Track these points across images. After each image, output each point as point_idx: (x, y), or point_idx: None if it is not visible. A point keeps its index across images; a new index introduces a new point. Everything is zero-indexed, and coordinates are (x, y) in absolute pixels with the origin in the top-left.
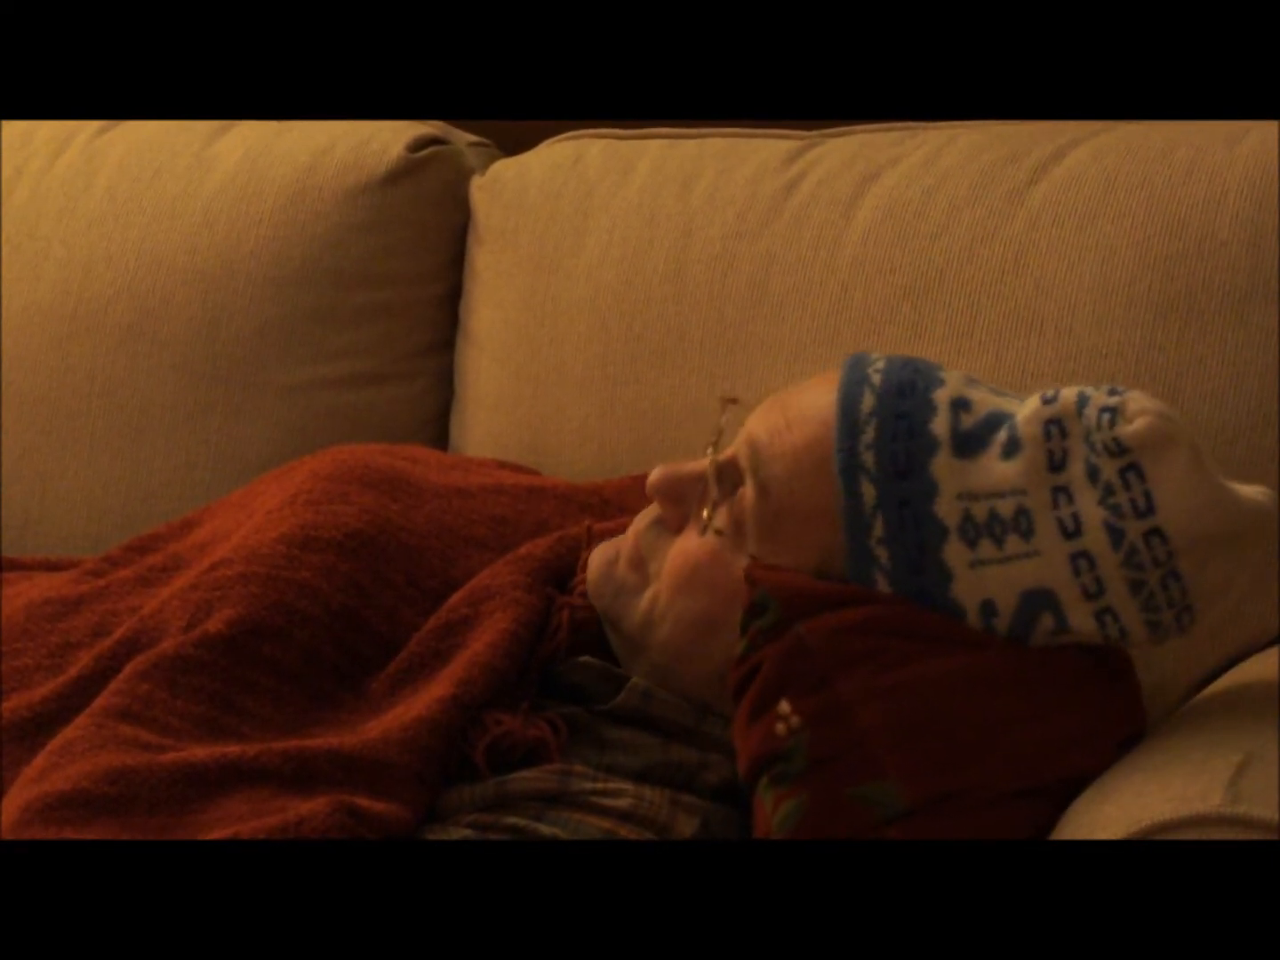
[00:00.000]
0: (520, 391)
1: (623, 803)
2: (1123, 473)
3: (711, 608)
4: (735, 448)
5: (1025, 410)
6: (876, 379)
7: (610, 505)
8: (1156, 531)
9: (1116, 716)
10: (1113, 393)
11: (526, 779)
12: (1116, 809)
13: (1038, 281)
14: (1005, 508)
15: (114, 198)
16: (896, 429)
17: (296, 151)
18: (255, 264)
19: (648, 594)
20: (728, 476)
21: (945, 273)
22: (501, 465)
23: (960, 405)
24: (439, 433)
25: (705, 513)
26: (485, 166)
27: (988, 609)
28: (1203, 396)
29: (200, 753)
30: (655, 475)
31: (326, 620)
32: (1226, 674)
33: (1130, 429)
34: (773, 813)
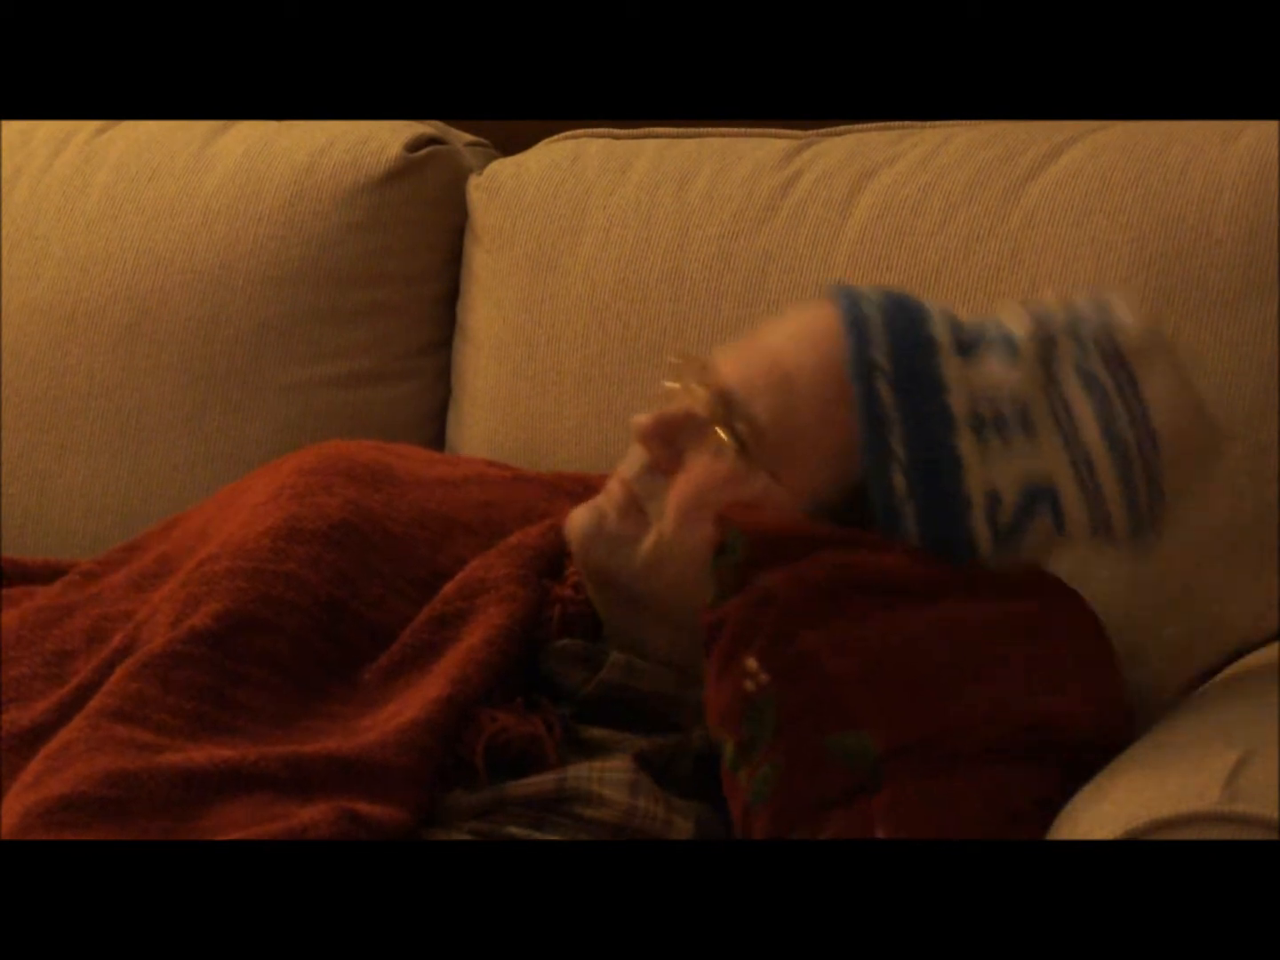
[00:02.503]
0: (518, 390)
1: (617, 815)
2: (1117, 377)
3: None
4: (723, 379)
5: (1014, 318)
6: (872, 294)
7: (595, 492)
8: (1149, 434)
9: (1087, 666)
10: (1101, 302)
11: (523, 785)
12: (1114, 806)
13: (1034, 279)
14: (1008, 406)
15: (112, 197)
16: (903, 333)
17: (295, 151)
18: (254, 263)
19: (650, 536)
20: (720, 408)
21: (941, 270)
22: (490, 464)
23: (950, 316)
24: (437, 431)
25: (723, 433)
26: (483, 166)
27: (993, 501)
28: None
29: (199, 756)
30: (642, 420)
31: (315, 611)
32: (1225, 670)
33: (1127, 335)
34: (748, 786)
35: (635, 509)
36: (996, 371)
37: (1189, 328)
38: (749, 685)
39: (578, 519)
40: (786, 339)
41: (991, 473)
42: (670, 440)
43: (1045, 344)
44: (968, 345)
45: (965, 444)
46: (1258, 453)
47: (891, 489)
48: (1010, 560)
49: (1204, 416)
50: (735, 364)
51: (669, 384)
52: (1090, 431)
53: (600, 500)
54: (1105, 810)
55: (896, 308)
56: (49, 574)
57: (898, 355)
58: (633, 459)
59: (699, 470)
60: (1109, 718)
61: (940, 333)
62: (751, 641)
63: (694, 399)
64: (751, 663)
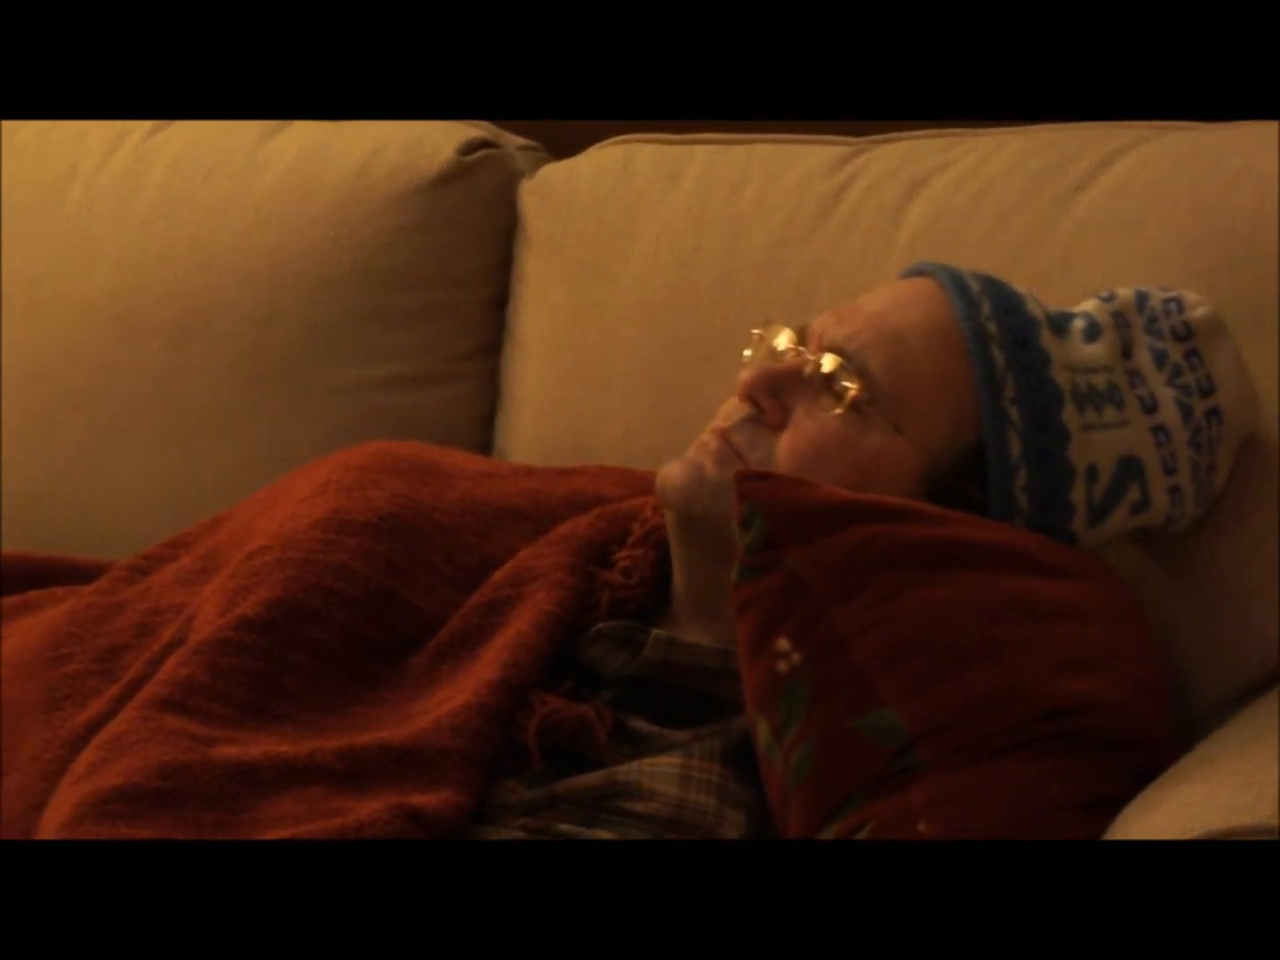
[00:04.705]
0: (566, 395)
1: (668, 809)
2: (1188, 355)
3: (843, 482)
4: (824, 337)
5: (1088, 305)
6: (968, 272)
7: (641, 481)
8: (1215, 410)
9: (1124, 652)
10: (1165, 288)
11: (573, 782)
12: (1164, 818)
13: (1085, 287)
14: (1099, 381)
15: (166, 197)
16: (1006, 305)
17: (348, 153)
18: (306, 265)
19: None
20: (833, 362)
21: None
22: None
23: (1034, 299)
24: (485, 435)
25: (844, 388)
26: (534, 170)
27: (1091, 473)
28: None
29: (253, 750)
30: (750, 374)
31: (364, 600)
32: (1277, 685)
33: (1196, 314)
34: (784, 769)
35: (735, 459)
36: (1086, 349)
37: (1241, 337)
38: (782, 666)
39: (673, 473)
40: (888, 301)
41: (1091, 444)
42: (777, 393)
43: (1120, 320)
44: (1058, 323)
45: (1069, 415)
46: None
47: (1008, 451)
48: (1095, 539)
49: (1254, 397)
50: (838, 323)
51: (759, 348)
52: (1166, 405)
53: (692, 454)
54: (1155, 822)
55: (990, 282)
56: (99, 574)
57: (1004, 324)
58: (730, 411)
59: (813, 424)
60: (1147, 707)
61: (1036, 311)
62: (782, 622)
63: (800, 356)
64: (783, 643)
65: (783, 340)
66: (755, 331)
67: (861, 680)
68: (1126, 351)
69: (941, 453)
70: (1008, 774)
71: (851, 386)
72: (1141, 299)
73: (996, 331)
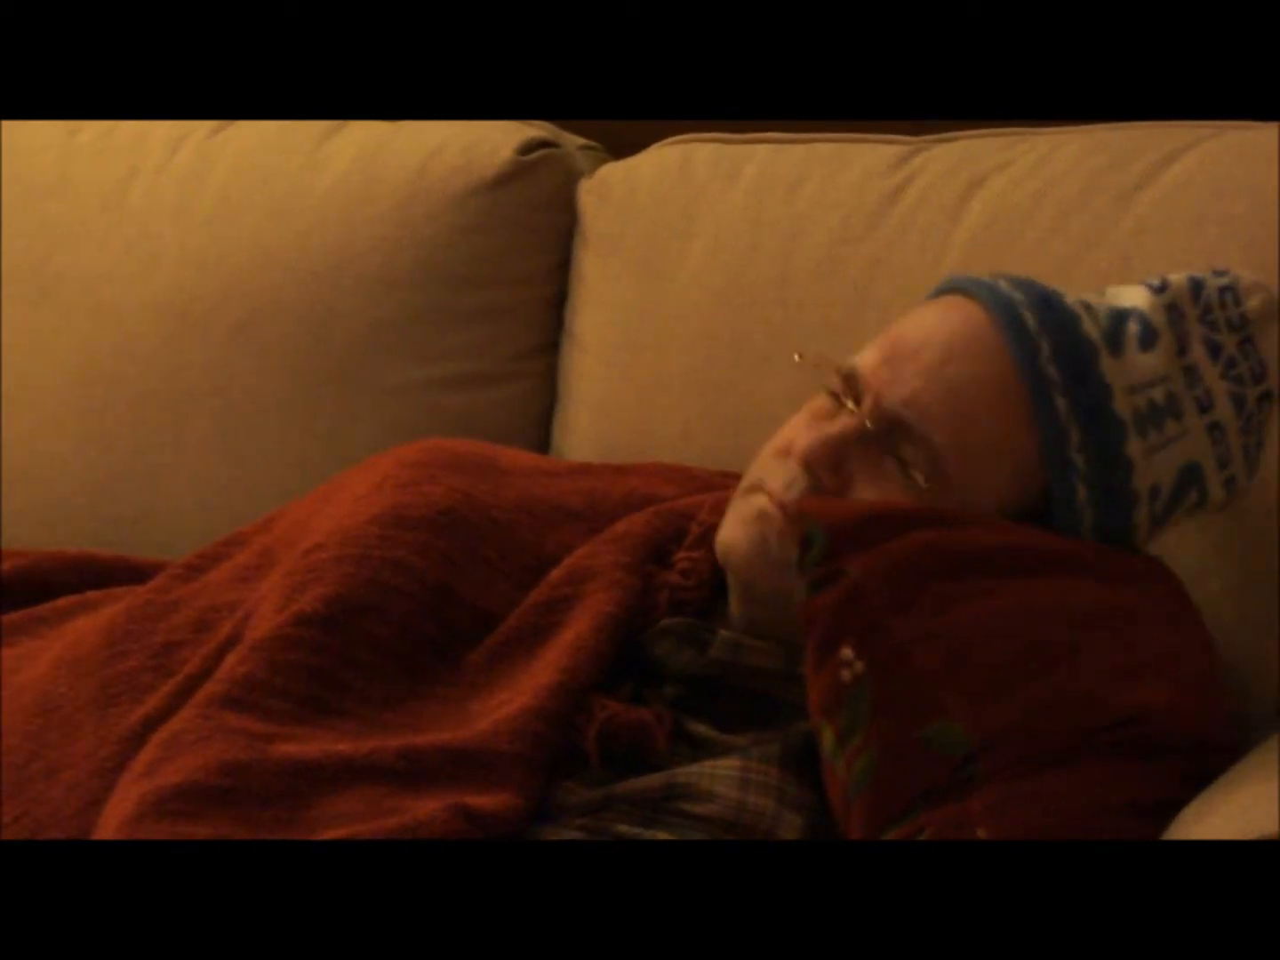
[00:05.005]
0: (623, 395)
1: (727, 811)
2: (1242, 344)
3: None
4: (887, 398)
5: (1140, 300)
6: (1019, 296)
7: (696, 480)
8: (1267, 394)
9: (1186, 657)
10: (1219, 273)
11: (632, 784)
12: (1223, 820)
13: None
14: (1158, 395)
15: (227, 197)
16: (1062, 340)
17: (407, 153)
18: (366, 264)
19: None
20: (881, 429)
21: (1052, 278)
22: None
23: (1087, 307)
24: (543, 435)
25: (914, 473)
26: (593, 170)
27: (1154, 493)
28: None
29: (312, 748)
30: (807, 445)
31: (422, 595)
32: None
33: (1252, 305)
34: (847, 776)
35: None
36: (1142, 360)
37: None
38: (845, 674)
39: (737, 543)
40: (941, 348)
41: (1154, 466)
42: (839, 464)
43: (1173, 314)
44: (1114, 338)
45: (1133, 445)
46: None
47: (1074, 499)
48: (1151, 539)
49: None
50: (892, 377)
51: (820, 398)
52: (1221, 400)
53: (755, 523)
54: (1214, 824)
55: (1045, 305)
56: (157, 574)
57: (1064, 362)
58: (788, 478)
59: (877, 497)
60: (1206, 712)
61: (1092, 331)
62: (846, 631)
63: (856, 419)
64: (847, 652)
65: (826, 391)
66: (796, 357)
67: (925, 690)
68: (1182, 349)
69: (1005, 504)
70: (1066, 780)
71: (918, 475)
72: (1196, 288)
73: (1057, 375)
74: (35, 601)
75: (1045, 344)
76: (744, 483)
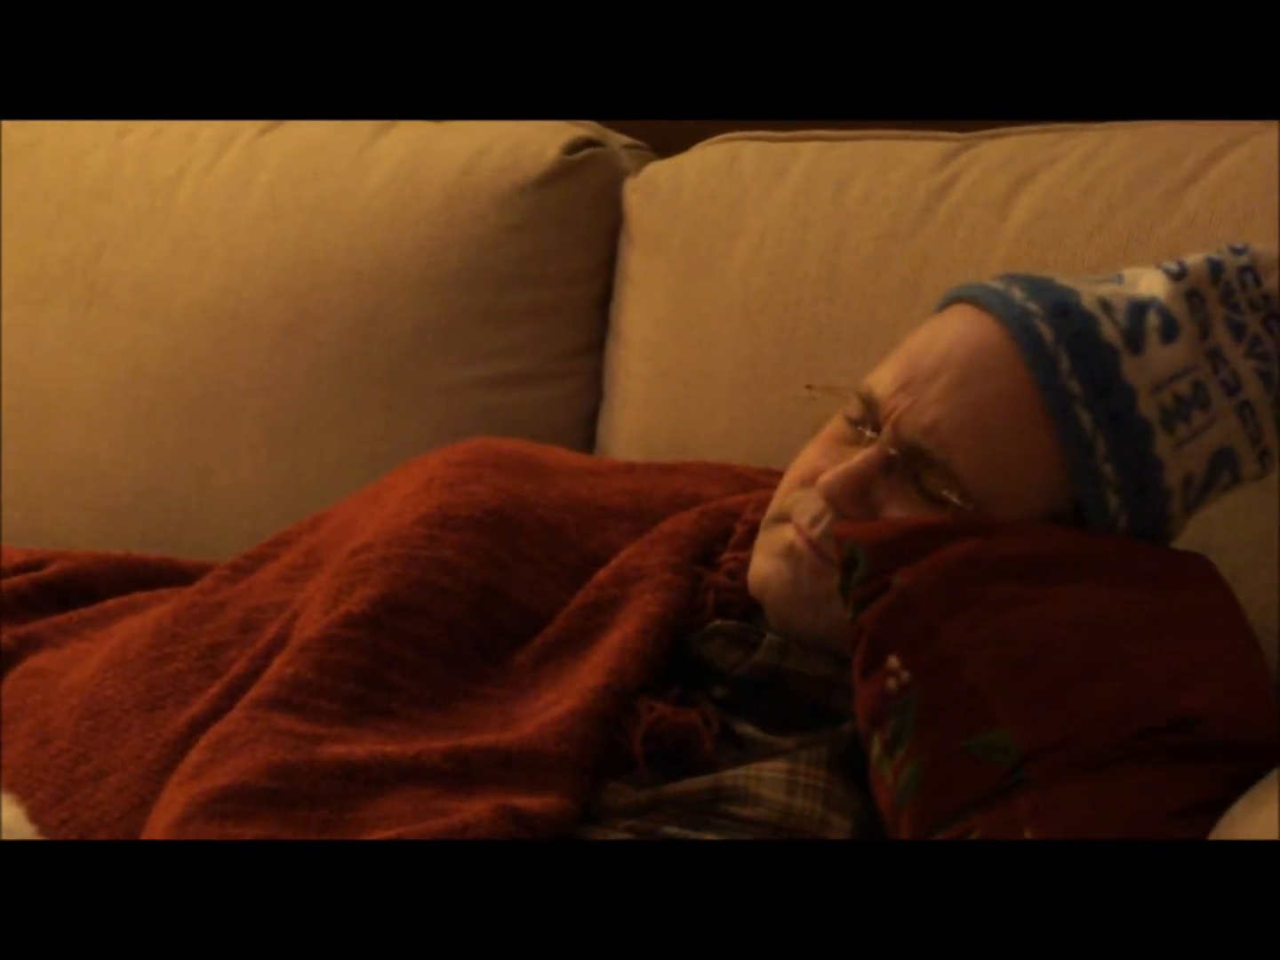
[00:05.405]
0: (669, 392)
1: (775, 814)
2: (1266, 321)
3: None
4: (906, 426)
5: (1158, 288)
6: (1034, 307)
7: (741, 478)
8: None
9: (1234, 660)
10: (1236, 251)
11: (680, 786)
12: (1271, 817)
13: None
14: (1183, 387)
15: (274, 197)
16: (1081, 349)
17: (454, 153)
18: (413, 264)
19: None
20: (899, 455)
21: (1100, 273)
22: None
23: (1105, 306)
24: (589, 433)
25: (939, 493)
26: (639, 168)
27: (1187, 483)
28: None
29: (359, 750)
30: (830, 481)
31: (469, 596)
32: None
33: (1272, 282)
34: (894, 783)
35: (830, 566)
36: (1165, 354)
37: None
38: (892, 684)
39: (770, 580)
40: (959, 369)
41: (1184, 459)
42: (862, 497)
43: (1193, 300)
44: (1133, 334)
45: (1161, 444)
46: None
47: (1106, 508)
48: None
49: None
50: (910, 403)
51: (838, 421)
52: (1249, 379)
53: (787, 559)
54: (1261, 820)
55: (1060, 313)
56: (203, 576)
57: (1084, 373)
58: (815, 513)
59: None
60: (1253, 713)
61: (1111, 334)
62: (894, 640)
63: (877, 450)
64: (894, 661)
65: (842, 415)
66: (807, 388)
67: (974, 699)
68: (1204, 334)
69: (1034, 516)
70: (1114, 784)
71: (949, 495)
72: (1216, 270)
73: (1078, 388)
74: (82, 604)
75: (1064, 356)
76: (770, 512)
